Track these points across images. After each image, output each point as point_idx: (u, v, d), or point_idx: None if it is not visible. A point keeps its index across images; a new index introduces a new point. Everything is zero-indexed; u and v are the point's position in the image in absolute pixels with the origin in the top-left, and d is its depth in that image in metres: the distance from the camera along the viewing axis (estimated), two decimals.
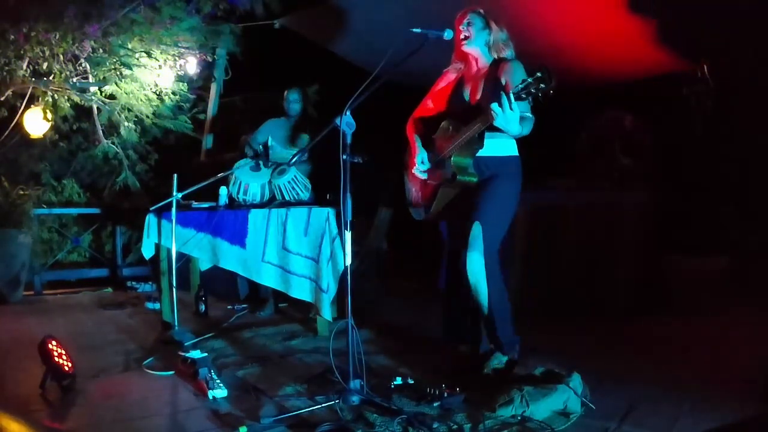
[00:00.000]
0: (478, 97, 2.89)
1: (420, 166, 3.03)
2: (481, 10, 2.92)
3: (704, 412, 2.38)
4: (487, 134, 2.77)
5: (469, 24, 2.89)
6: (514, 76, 2.73)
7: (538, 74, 2.39)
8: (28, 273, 5.35)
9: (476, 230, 2.77)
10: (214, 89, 5.97)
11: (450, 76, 3.08)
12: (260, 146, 4.48)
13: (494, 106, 2.50)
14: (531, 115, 2.67)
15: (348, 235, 2.63)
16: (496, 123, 2.54)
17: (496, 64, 2.89)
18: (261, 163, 4.16)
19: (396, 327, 3.97)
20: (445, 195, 2.97)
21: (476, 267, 2.77)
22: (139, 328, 4.13)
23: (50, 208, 5.80)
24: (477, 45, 2.91)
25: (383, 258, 5.42)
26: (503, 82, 2.79)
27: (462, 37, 2.90)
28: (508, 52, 2.90)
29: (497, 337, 2.85)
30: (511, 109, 2.47)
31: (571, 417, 2.38)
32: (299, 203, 4.01)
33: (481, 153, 2.84)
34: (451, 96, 3.05)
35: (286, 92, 4.68)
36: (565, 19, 4.13)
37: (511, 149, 2.92)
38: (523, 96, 2.44)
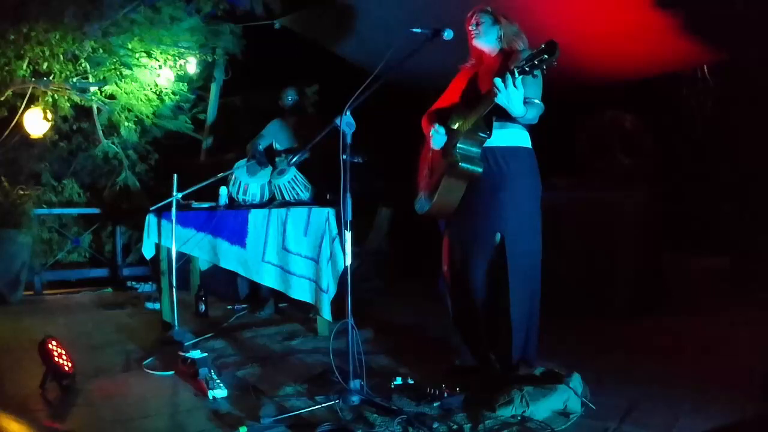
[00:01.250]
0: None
1: (437, 129, 2.89)
2: (489, 8, 2.91)
3: (704, 412, 2.37)
4: (496, 123, 2.71)
5: (477, 24, 2.89)
6: None
7: (542, 46, 2.38)
8: (28, 273, 5.35)
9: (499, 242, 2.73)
10: (214, 89, 5.97)
11: (466, 72, 3.06)
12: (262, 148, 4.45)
13: (497, 80, 2.47)
14: (539, 102, 2.63)
15: (348, 235, 2.63)
16: (498, 99, 2.51)
17: (508, 55, 2.86)
18: (257, 164, 4.14)
19: (396, 327, 3.97)
20: (448, 188, 2.81)
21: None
22: (139, 328, 4.13)
23: (50, 208, 5.79)
24: (488, 41, 2.89)
25: (383, 258, 5.42)
26: None
27: (473, 34, 2.89)
28: (520, 44, 2.88)
29: (523, 349, 2.79)
30: (515, 86, 2.45)
31: (571, 417, 2.37)
32: (299, 203, 4.01)
33: (490, 143, 2.75)
34: (464, 90, 3.01)
35: (280, 92, 4.70)
36: (584, 16, 4.04)
37: (522, 140, 2.83)
38: (527, 69, 2.43)
